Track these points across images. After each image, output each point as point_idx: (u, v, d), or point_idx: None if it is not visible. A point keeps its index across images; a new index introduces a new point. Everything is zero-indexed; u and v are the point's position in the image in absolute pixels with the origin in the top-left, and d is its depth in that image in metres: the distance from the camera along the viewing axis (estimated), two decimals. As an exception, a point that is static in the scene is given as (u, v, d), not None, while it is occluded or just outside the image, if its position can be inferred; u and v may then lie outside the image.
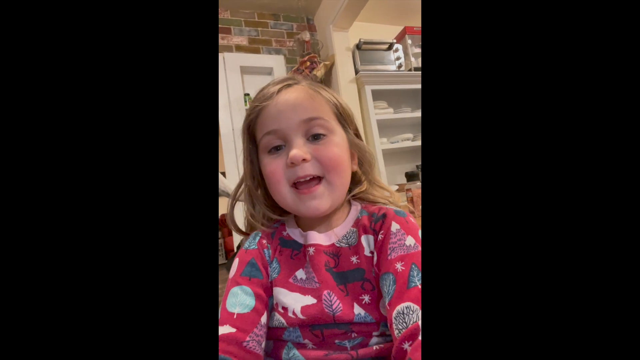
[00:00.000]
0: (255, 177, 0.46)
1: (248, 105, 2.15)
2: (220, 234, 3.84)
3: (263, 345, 0.37)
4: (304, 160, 0.38)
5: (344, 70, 2.09)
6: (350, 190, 0.45)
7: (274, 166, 0.40)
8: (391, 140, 2.11)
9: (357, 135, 0.46)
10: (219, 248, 3.75)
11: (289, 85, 0.43)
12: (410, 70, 2.19)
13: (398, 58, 2.21)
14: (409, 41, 2.21)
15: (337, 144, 0.41)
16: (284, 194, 0.40)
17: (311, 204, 0.39)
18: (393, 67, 2.19)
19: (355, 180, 0.46)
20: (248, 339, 0.35)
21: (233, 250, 2.12)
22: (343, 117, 0.44)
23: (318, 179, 0.40)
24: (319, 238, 0.42)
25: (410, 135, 2.13)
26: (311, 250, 0.41)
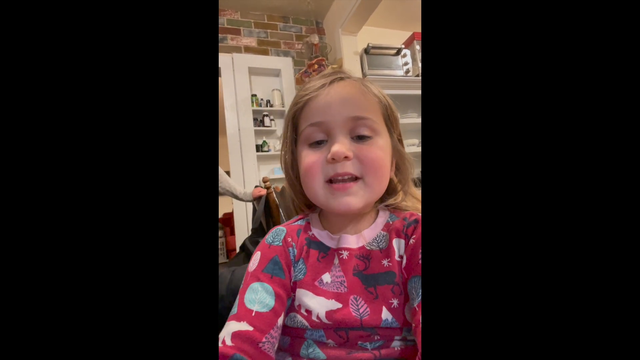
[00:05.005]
0: (294, 167, 0.44)
1: (255, 106, 2.16)
2: (221, 232, 3.85)
3: (276, 347, 0.36)
4: (345, 157, 0.37)
5: (352, 74, 2.09)
6: (382, 199, 0.43)
7: (312, 159, 0.39)
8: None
9: (400, 140, 0.44)
10: (221, 247, 3.76)
11: (340, 79, 0.41)
12: (417, 75, 2.19)
13: (406, 63, 2.22)
14: (417, 47, 2.21)
15: (382, 147, 0.39)
16: (317, 189, 0.39)
17: (343, 200, 0.37)
18: (400, 73, 2.19)
19: (389, 189, 0.43)
20: (264, 340, 0.34)
21: (235, 249, 2.13)
22: (390, 120, 0.42)
23: (355, 179, 0.38)
24: (351, 241, 0.41)
25: (416, 141, 2.13)
26: (345, 254, 0.40)
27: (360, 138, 0.38)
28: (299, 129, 0.41)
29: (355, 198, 0.37)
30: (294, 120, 0.42)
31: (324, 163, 0.38)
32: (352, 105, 0.38)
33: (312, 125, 0.39)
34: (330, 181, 0.38)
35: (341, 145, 0.36)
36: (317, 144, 0.39)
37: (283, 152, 0.45)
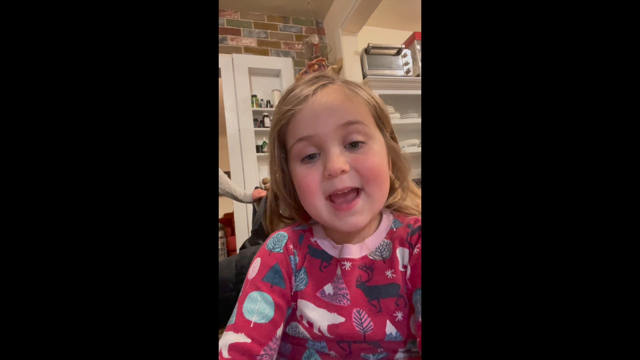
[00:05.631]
0: (287, 185, 0.42)
1: (255, 107, 2.16)
2: (222, 233, 3.85)
3: (274, 359, 0.35)
4: (342, 171, 0.35)
5: (352, 75, 2.09)
6: None
7: (309, 178, 0.37)
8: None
9: (393, 137, 0.42)
10: (221, 247, 3.75)
11: (324, 86, 0.38)
12: (418, 75, 2.18)
13: (406, 63, 2.21)
14: (418, 47, 2.21)
15: (377, 153, 0.37)
16: (319, 207, 0.37)
17: (350, 220, 0.36)
18: (401, 72, 2.19)
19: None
20: (262, 352, 0.33)
21: (235, 250, 2.13)
22: (381, 120, 0.40)
23: (356, 190, 0.37)
24: (353, 251, 0.39)
25: (417, 141, 2.13)
26: (347, 265, 0.39)
27: (353, 145, 0.36)
28: (287, 145, 0.39)
29: (361, 216, 0.36)
30: (280, 137, 0.40)
31: (321, 179, 0.36)
32: (340, 112, 0.36)
33: (301, 140, 0.37)
34: (331, 197, 0.37)
35: (336, 160, 0.35)
36: (309, 158, 0.37)
37: (272, 171, 0.43)
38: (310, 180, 0.37)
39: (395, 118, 2.10)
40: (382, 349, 0.35)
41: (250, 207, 1.81)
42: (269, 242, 0.42)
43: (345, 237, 0.41)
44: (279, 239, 0.42)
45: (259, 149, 2.16)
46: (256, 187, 1.41)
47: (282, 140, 0.40)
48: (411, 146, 2.10)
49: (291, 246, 0.42)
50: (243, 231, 2.04)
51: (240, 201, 1.46)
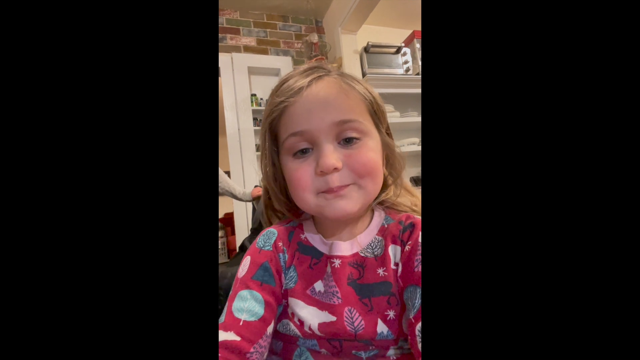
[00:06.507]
0: (278, 179, 0.41)
1: (255, 106, 2.15)
2: (223, 232, 3.85)
3: (265, 356, 0.35)
4: (335, 169, 0.34)
5: (351, 73, 2.08)
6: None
7: (300, 173, 0.36)
8: (397, 144, 2.09)
9: (389, 133, 0.41)
10: (222, 247, 3.75)
11: (319, 78, 0.37)
12: (417, 74, 2.18)
13: (406, 62, 2.21)
14: (418, 45, 2.20)
15: (372, 148, 0.36)
16: (308, 201, 0.36)
17: (338, 204, 0.35)
18: (400, 71, 2.19)
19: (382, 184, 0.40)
20: (252, 350, 0.33)
21: (235, 250, 2.13)
22: (377, 116, 0.39)
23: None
24: (344, 248, 0.38)
25: (416, 140, 2.13)
26: (337, 262, 0.38)
27: (347, 141, 0.35)
28: (279, 139, 0.38)
29: (349, 201, 0.35)
30: (272, 130, 0.39)
31: (313, 176, 0.35)
32: (335, 108, 0.35)
33: (293, 135, 0.35)
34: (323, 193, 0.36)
35: (329, 157, 0.34)
36: (301, 153, 0.36)
37: (263, 165, 0.42)
38: (301, 176, 0.36)
39: (395, 117, 2.09)
40: (373, 347, 0.35)
41: (250, 206, 1.81)
42: (259, 240, 0.42)
43: (335, 231, 0.40)
44: (269, 236, 0.42)
45: (258, 148, 2.16)
46: (256, 186, 1.41)
47: (274, 133, 0.39)
48: (411, 145, 2.10)
49: (280, 244, 0.41)
50: (243, 230, 2.04)
51: (240, 200, 1.46)
